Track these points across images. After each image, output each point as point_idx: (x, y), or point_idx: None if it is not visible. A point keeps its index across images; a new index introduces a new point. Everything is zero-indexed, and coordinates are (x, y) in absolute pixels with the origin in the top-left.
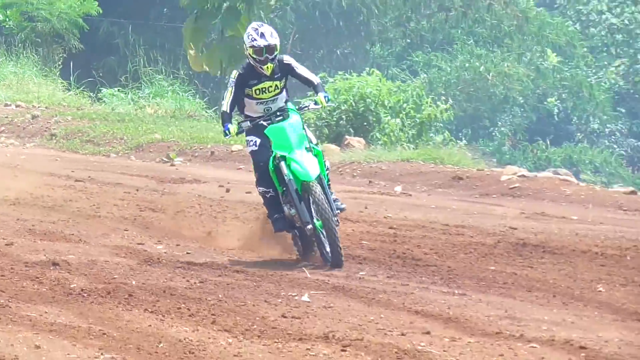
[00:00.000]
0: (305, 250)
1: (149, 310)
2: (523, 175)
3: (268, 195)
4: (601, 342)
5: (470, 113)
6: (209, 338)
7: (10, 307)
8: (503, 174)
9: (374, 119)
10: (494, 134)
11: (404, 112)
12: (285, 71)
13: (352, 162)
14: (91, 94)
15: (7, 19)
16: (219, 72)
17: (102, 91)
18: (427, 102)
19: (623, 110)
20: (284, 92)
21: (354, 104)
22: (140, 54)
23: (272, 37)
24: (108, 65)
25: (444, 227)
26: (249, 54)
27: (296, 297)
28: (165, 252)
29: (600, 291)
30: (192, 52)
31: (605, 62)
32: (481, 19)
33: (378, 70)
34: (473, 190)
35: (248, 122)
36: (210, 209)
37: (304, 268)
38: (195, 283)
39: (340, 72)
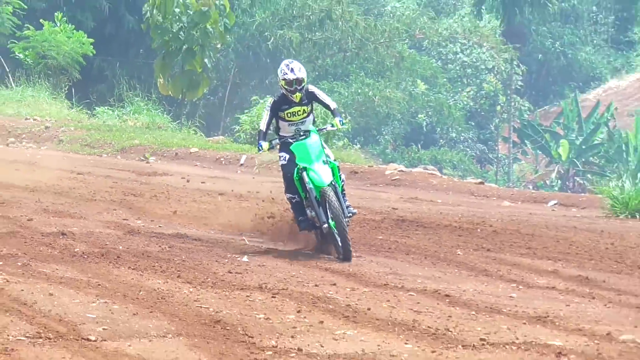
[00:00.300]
0: (323, 245)
1: (132, 267)
2: (401, 170)
3: (294, 201)
4: (460, 291)
5: (363, 125)
6: (176, 288)
7: (30, 265)
8: (387, 170)
9: None
10: (379, 140)
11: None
12: (310, 98)
13: (277, 161)
14: (88, 111)
15: (27, 57)
16: (180, 95)
17: (95, 109)
18: (331, 117)
19: (472, 123)
20: (311, 115)
21: None
22: (123, 82)
23: (300, 72)
24: (100, 90)
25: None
26: (282, 85)
27: (238, 258)
28: (143, 226)
29: (458, 254)
30: (161, 80)
31: (459, 89)
32: (369, 58)
33: None
34: (365, 181)
35: (277, 139)
36: (175, 194)
37: (244, 237)
38: (165, 248)
39: (267, 96)
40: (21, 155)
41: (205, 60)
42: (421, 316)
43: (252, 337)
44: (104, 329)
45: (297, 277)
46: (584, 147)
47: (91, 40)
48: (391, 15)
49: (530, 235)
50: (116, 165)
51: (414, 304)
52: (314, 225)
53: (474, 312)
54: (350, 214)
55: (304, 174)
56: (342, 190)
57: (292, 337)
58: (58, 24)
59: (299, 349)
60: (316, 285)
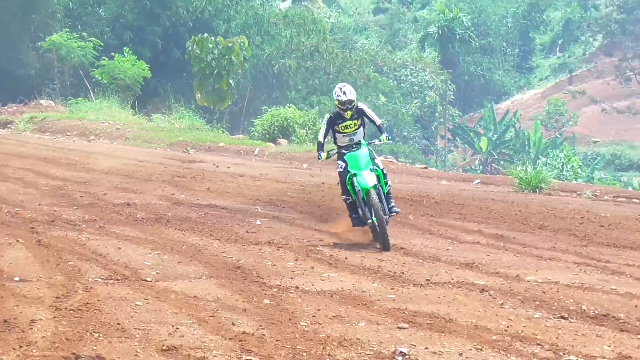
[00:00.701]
0: (375, 237)
1: (177, 229)
2: None
3: (348, 202)
4: (411, 245)
5: None
6: (208, 243)
7: (104, 227)
8: None
9: (292, 129)
10: None
11: (307, 126)
12: (360, 113)
13: (281, 152)
14: (146, 117)
15: (103, 79)
16: (212, 106)
17: (152, 115)
18: (319, 121)
19: (419, 125)
20: (362, 128)
21: (281, 122)
22: (171, 96)
23: (351, 95)
24: (155, 102)
25: (329, 186)
26: (336, 104)
27: (253, 222)
28: (185, 198)
29: (410, 219)
30: (198, 95)
31: (409, 101)
32: (346, 79)
33: (293, 104)
34: None
35: (334, 151)
36: (208, 176)
37: (257, 207)
38: (201, 214)
39: (273, 107)
40: (99, 148)
41: (230, 80)
42: (383, 263)
43: (262, 278)
44: (157, 272)
45: (295, 235)
46: (498, 142)
47: (148, 66)
48: (361, 49)
49: (461, 205)
50: (166, 155)
51: (378, 255)
52: (364, 221)
53: (421, 260)
54: (393, 213)
55: (354, 179)
56: (388, 193)
57: (292, 278)
58: (125, 55)
59: (297, 287)
60: (309, 241)
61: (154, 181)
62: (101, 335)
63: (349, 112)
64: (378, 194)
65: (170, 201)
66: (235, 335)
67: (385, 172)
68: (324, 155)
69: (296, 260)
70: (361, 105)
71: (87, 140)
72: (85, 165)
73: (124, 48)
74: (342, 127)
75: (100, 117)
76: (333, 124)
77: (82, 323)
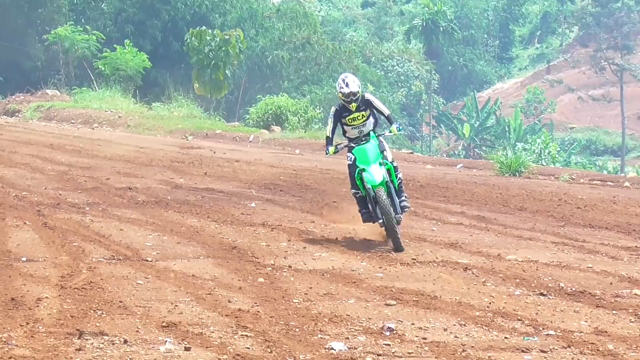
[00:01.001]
0: (388, 236)
1: (176, 211)
2: None
3: (357, 196)
4: (403, 226)
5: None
6: (206, 225)
7: (107, 210)
8: None
9: (285, 117)
10: None
11: (299, 114)
12: (367, 104)
13: (275, 138)
14: (147, 105)
15: (106, 70)
16: (209, 95)
17: (152, 104)
18: (311, 109)
19: (405, 113)
20: (371, 118)
21: (274, 110)
22: (170, 86)
23: (354, 85)
24: (155, 92)
25: (320, 170)
26: (340, 97)
27: (248, 204)
28: (184, 182)
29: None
30: (196, 85)
31: (396, 90)
32: (335, 69)
33: (286, 93)
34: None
35: (342, 144)
36: (206, 162)
37: (252, 190)
38: (199, 197)
39: (267, 96)
40: (102, 135)
41: (226, 71)
42: (372, 243)
43: (257, 258)
44: (157, 253)
45: (288, 217)
46: (480, 128)
47: (149, 58)
48: (349, 41)
49: (445, 188)
50: (166, 142)
51: (366, 235)
52: (374, 217)
53: (407, 240)
54: (405, 210)
55: (363, 174)
56: (399, 187)
57: (285, 257)
58: (126, 48)
59: (289, 266)
60: (301, 223)
61: (154, 166)
62: (104, 312)
63: (353, 104)
64: (388, 191)
65: (170, 185)
66: (232, 312)
67: (395, 164)
68: (331, 149)
69: (289, 240)
70: (368, 96)
71: (90, 128)
72: (89, 151)
73: (125, 41)
74: (350, 120)
75: (103, 106)
76: (340, 116)
77: (86, 301)
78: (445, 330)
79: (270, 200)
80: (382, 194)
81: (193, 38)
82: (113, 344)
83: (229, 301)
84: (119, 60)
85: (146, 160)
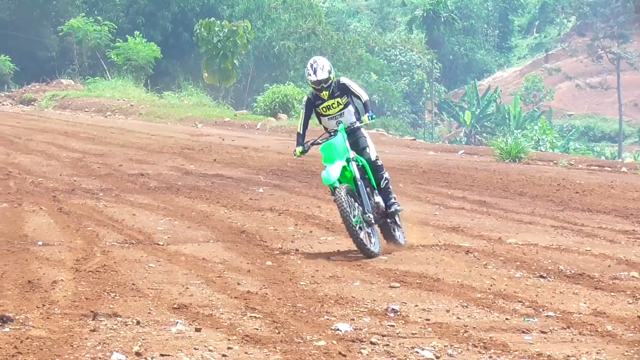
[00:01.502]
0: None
1: (187, 196)
2: None
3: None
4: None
5: None
6: (215, 210)
7: (120, 195)
8: None
9: (291, 105)
10: None
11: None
12: (343, 90)
13: (282, 126)
14: (158, 94)
15: (118, 59)
16: (217, 84)
17: (163, 93)
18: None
19: (408, 101)
20: (350, 107)
21: (281, 98)
22: (180, 75)
23: (322, 72)
24: (165, 81)
25: None
26: (309, 84)
27: (256, 190)
28: (194, 169)
29: (400, 186)
30: (205, 74)
31: (399, 79)
32: (340, 58)
33: (292, 82)
34: None
35: (312, 141)
36: (215, 148)
37: (260, 176)
38: (208, 183)
39: (274, 84)
40: (115, 123)
41: (235, 61)
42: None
43: (265, 242)
44: (168, 237)
45: (295, 202)
46: (480, 116)
47: (159, 48)
48: (353, 31)
49: (447, 173)
50: (176, 130)
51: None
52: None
53: (410, 225)
54: (394, 211)
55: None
56: (384, 188)
57: (292, 241)
58: (137, 39)
59: (297, 250)
60: (307, 207)
61: (165, 153)
62: (117, 294)
63: (324, 92)
64: (357, 190)
65: (181, 171)
66: (241, 294)
67: (380, 163)
68: (298, 150)
69: (296, 225)
70: (344, 79)
71: (104, 116)
72: (103, 139)
73: (135, 32)
74: (324, 109)
75: (116, 95)
76: (312, 106)
77: (100, 283)
78: (447, 311)
79: (277, 186)
80: (339, 192)
81: (202, 29)
82: (126, 325)
83: (238, 283)
84: (131, 50)
85: (157, 148)
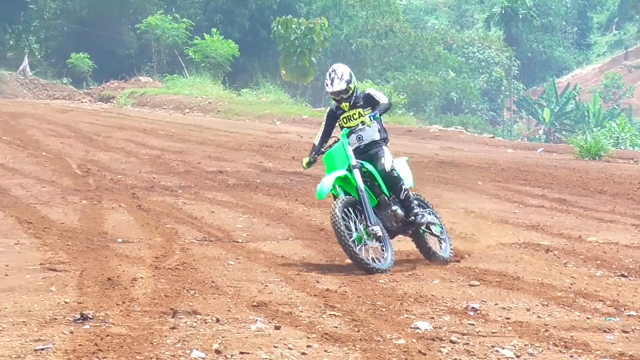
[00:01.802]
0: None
1: (265, 194)
2: (440, 129)
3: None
4: (481, 208)
5: (414, 100)
6: (294, 207)
7: (199, 193)
8: (431, 129)
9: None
10: (426, 109)
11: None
12: (368, 101)
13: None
14: (236, 92)
15: (196, 57)
16: (295, 81)
17: (241, 90)
18: (395, 95)
19: (486, 99)
20: (375, 122)
21: None
22: (258, 72)
23: (340, 82)
24: (243, 78)
25: (404, 153)
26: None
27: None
28: (272, 166)
29: (479, 184)
30: (283, 71)
31: (477, 76)
32: (418, 56)
33: (370, 79)
34: (416, 136)
35: (314, 153)
36: (293, 146)
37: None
38: (287, 181)
39: None
40: (193, 120)
41: (312, 58)
42: (456, 226)
43: None
44: (247, 234)
45: None
46: (559, 113)
47: (237, 45)
48: (431, 28)
49: (526, 171)
50: (254, 127)
51: (451, 217)
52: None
53: (489, 223)
54: (420, 224)
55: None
56: (400, 198)
57: None
58: (214, 36)
59: None
60: None
61: (243, 150)
62: (197, 292)
63: (344, 104)
64: (361, 201)
65: (259, 169)
66: (320, 292)
67: (395, 174)
68: (305, 161)
69: None
70: (370, 90)
71: (182, 113)
72: (181, 136)
73: (213, 29)
74: (344, 120)
75: (194, 92)
76: (334, 117)
77: (179, 281)
78: (528, 310)
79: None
80: (334, 208)
81: (279, 26)
82: (206, 322)
83: (317, 281)
84: (209, 47)
85: (236, 145)
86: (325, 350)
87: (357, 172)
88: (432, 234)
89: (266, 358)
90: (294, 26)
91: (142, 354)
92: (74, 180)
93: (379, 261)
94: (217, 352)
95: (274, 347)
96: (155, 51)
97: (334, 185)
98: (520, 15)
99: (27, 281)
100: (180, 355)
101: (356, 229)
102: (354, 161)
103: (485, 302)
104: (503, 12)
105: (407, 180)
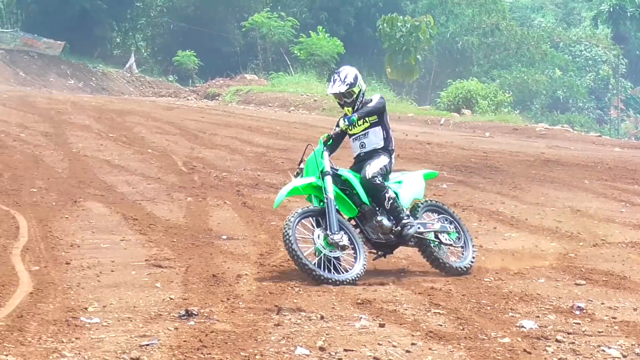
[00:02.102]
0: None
1: None
2: (546, 128)
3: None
4: (587, 207)
5: (520, 98)
6: None
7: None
8: (536, 127)
9: (475, 101)
10: (532, 108)
11: (489, 98)
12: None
13: (465, 121)
14: None
15: (301, 55)
16: (401, 80)
17: None
18: (500, 93)
19: (593, 97)
20: (378, 128)
21: (464, 94)
22: (364, 70)
23: (341, 85)
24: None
25: (510, 152)
26: None
27: (440, 185)
28: None
29: (585, 183)
30: (388, 69)
31: (584, 74)
32: (524, 54)
33: (476, 78)
34: (522, 135)
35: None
36: (398, 144)
37: (443, 172)
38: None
39: (457, 80)
40: (298, 118)
41: (417, 56)
42: (561, 224)
43: None
44: None
45: (479, 198)
46: None
47: (342, 43)
48: (537, 26)
49: (633, 170)
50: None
51: (556, 216)
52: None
53: (596, 222)
54: (407, 234)
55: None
56: (385, 207)
57: (476, 237)
58: (320, 34)
59: (480, 246)
60: (491, 204)
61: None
62: (301, 289)
63: (347, 108)
64: (309, 214)
65: None
66: (424, 290)
67: (377, 181)
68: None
69: (480, 221)
70: (375, 96)
71: (287, 111)
72: (286, 133)
73: (318, 27)
74: (351, 127)
75: (299, 90)
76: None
77: (283, 278)
78: (635, 310)
79: (461, 182)
80: (288, 220)
81: (385, 24)
82: (310, 319)
83: (422, 280)
84: (314, 45)
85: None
86: (430, 348)
87: (328, 180)
88: (442, 243)
89: (370, 355)
90: (399, 24)
91: (247, 350)
92: (179, 177)
93: (345, 271)
94: (321, 349)
95: (378, 344)
96: (261, 49)
97: (310, 195)
98: (629, 13)
99: (133, 277)
100: (284, 352)
101: (315, 241)
102: (326, 168)
103: (592, 301)
104: (611, 9)
105: (408, 194)
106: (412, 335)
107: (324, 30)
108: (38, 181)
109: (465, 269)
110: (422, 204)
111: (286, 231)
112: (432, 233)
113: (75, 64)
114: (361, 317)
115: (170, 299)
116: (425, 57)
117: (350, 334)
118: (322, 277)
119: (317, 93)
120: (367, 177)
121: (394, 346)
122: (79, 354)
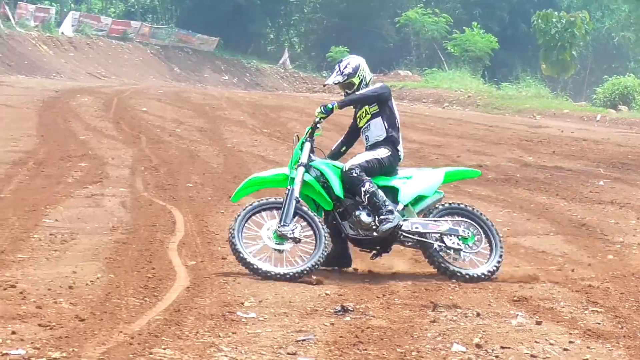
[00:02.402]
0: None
1: (525, 188)
2: None
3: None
4: None
5: None
6: (555, 202)
7: (458, 187)
8: None
9: (632, 97)
10: None
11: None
12: None
13: (622, 118)
14: (495, 85)
15: (455, 51)
16: (555, 76)
17: (500, 84)
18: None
19: None
20: (379, 119)
21: (621, 90)
22: (518, 66)
23: (338, 75)
24: (503, 72)
25: None
26: None
27: (596, 182)
28: (533, 160)
29: None
30: (543, 65)
31: None
32: None
33: (633, 74)
34: None
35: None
36: (553, 141)
37: (600, 169)
38: (547, 175)
39: (614, 76)
40: (452, 114)
41: (573, 52)
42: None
43: (606, 235)
44: (507, 228)
45: (637, 195)
46: None
47: (496, 39)
48: None
49: None
50: (514, 121)
51: None
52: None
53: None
54: (384, 229)
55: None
56: (363, 201)
57: (634, 235)
58: (474, 30)
59: (639, 244)
60: None
61: (503, 145)
62: (457, 286)
63: None
64: (263, 207)
65: (519, 163)
66: (582, 288)
67: (354, 174)
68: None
69: (638, 219)
70: (377, 84)
71: (441, 107)
72: (440, 130)
73: (472, 23)
74: (358, 119)
75: (453, 86)
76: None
77: (439, 274)
78: None
79: (618, 179)
80: (237, 216)
81: (539, 20)
82: (466, 316)
83: (580, 277)
84: (468, 41)
85: (495, 139)
86: (588, 347)
87: (300, 170)
88: (446, 246)
89: (527, 353)
90: (554, 20)
91: (403, 346)
92: None
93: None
94: (478, 346)
95: (536, 342)
96: (414, 45)
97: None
98: None
99: None
100: (440, 349)
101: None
102: (303, 159)
103: None
104: None
105: (411, 190)
106: (570, 334)
107: (478, 26)
108: (194, 176)
109: (474, 277)
110: (441, 205)
111: (231, 225)
112: (436, 235)
113: (229, 60)
114: (517, 315)
115: (326, 294)
116: (580, 53)
117: (506, 332)
118: (263, 272)
119: (471, 89)
120: (345, 169)
121: (551, 344)
122: (236, 348)
